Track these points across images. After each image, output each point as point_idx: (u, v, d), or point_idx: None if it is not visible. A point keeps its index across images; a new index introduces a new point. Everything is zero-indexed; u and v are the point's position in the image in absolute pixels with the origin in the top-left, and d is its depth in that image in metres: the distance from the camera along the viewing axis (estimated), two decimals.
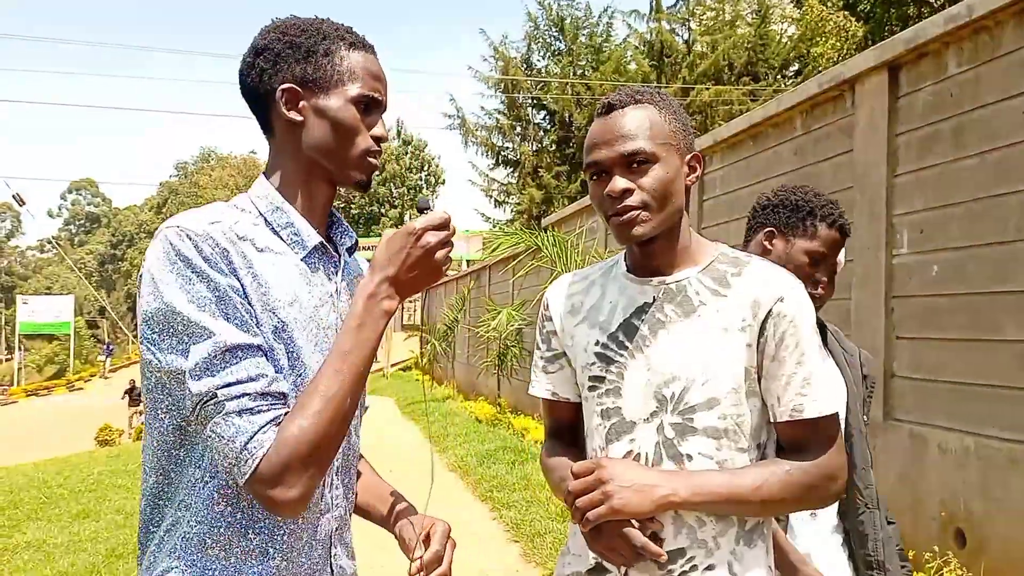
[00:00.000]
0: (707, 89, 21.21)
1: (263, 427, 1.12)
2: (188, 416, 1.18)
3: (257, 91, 1.31)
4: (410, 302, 42.64)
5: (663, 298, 1.42)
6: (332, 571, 1.34)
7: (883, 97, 4.77)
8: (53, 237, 74.03)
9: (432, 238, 1.22)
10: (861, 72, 4.93)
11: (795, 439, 1.38)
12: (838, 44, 18.41)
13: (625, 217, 1.37)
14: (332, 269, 1.36)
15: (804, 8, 20.84)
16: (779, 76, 22.79)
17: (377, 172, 1.37)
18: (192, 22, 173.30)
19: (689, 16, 23.37)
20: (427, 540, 1.38)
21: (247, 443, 1.11)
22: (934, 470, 4.30)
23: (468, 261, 31.28)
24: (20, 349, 46.95)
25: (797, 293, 1.39)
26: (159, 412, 1.22)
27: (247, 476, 1.12)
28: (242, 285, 1.18)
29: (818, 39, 19.57)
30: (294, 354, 1.23)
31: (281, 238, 1.29)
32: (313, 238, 1.31)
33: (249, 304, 1.18)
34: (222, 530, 1.20)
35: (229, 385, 1.12)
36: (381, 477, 1.57)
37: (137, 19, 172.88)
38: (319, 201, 1.35)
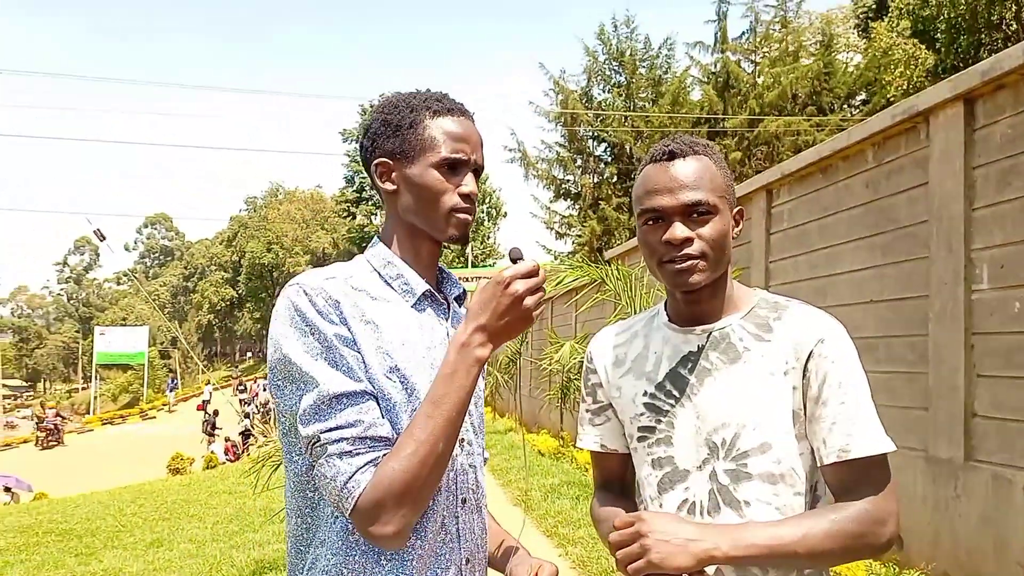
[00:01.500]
0: (774, 120, 20.99)
1: (361, 468, 1.22)
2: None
3: (366, 166, 1.46)
4: None
5: (708, 346, 1.44)
6: None
7: (959, 129, 4.67)
8: (129, 270, 76.66)
9: (521, 286, 1.27)
10: (935, 104, 4.84)
11: (843, 482, 1.35)
12: (907, 72, 18.09)
13: (684, 265, 1.38)
14: (442, 315, 1.46)
15: (872, 37, 20.56)
16: (845, 105, 22.45)
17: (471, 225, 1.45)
18: (260, 63, 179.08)
19: (757, 47, 23.22)
20: None
21: (346, 483, 1.21)
22: (1019, 513, 4.13)
23: None
24: (96, 378, 48.46)
25: (838, 334, 1.39)
26: (293, 454, 1.33)
27: (348, 512, 1.22)
28: (352, 333, 1.29)
29: (887, 68, 19.25)
30: (408, 391, 1.32)
31: (392, 288, 1.41)
32: (421, 286, 1.42)
33: (358, 350, 1.28)
34: (356, 558, 1.29)
35: (331, 430, 1.23)
36: (494, 519, 1.62)
37: (207, 62, 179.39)
38: (424, 256, 1.46)
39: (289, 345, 1.26)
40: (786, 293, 6.75)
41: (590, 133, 25.17)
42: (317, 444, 1.23)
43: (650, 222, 1.42)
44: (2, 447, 32.27)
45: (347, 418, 1.23)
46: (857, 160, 5.75)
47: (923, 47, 18.81)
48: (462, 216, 1.41)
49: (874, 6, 23.16)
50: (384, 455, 1.24)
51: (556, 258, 25.99)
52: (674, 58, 25.63)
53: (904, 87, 18.72)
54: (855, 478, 1.34)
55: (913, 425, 5.00)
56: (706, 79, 24.03)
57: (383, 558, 1.29)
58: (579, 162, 25.54)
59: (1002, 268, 4.37)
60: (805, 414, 1.38)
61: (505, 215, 53.32)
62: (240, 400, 30.57)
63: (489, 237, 53.01)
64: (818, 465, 1.39)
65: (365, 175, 1.46)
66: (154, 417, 40.53)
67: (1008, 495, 4.21)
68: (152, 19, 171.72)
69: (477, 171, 1.44)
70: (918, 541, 4.86)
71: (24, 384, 79.12)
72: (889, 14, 20.90)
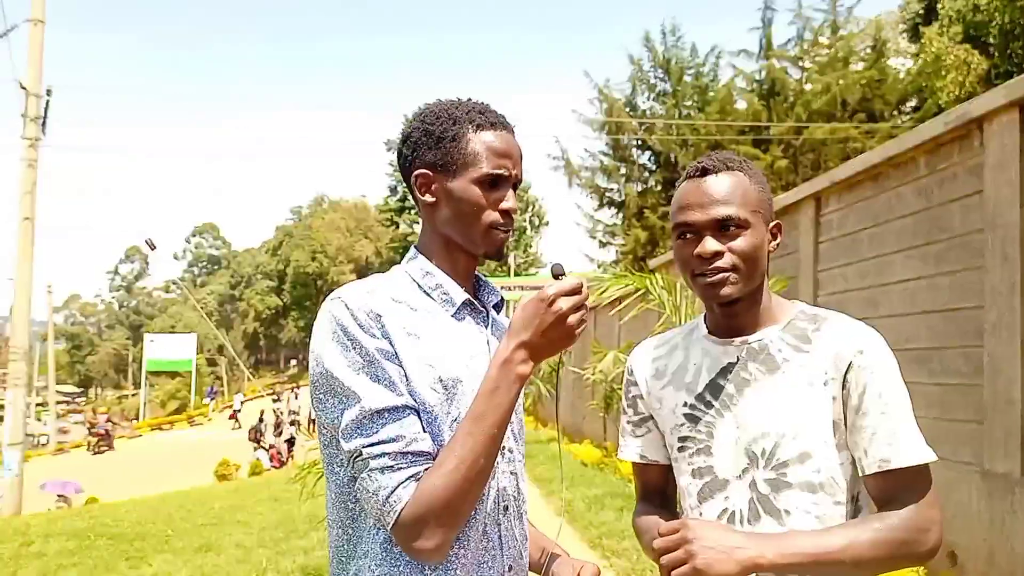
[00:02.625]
0: (820, 127, 20.71)
1: (403, 483, 1.23)
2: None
3: (405, 175, 1.47)
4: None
5: (746, 357, 1.47)
6: None
7: (1014, 135, 4.56)
8: (178, 279, 78.19)
9: (564, 304, 1.27)
10: (989, 111, 4.74)
11: (885, 492, 1.37)
12: (959, 78, 17.73)
13: (715, 278, 1.41)
14: (482, 323, 1.48)
15: (923, 42, 20.19)
16: (895, 112, 22.07)
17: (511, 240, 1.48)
18: (306, 74, 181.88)
19: (803, 55, 22.94)
20: None
21: (388, 497, 1.22)
22: None
23: None
24: (146, 385, 49.47)
25: (877, 345, 1.40)
26: (335, 466, 1.34)
27: (390, 527, 1.24)
28: (394, 346, 1.30)
29: (940, 73, 18.87)
30: (452, 401, 1.33)
31: (432, 298, 1.42)
32: (460, 295, 1.43)
33: (400, 363, 1.29)
34: (400, 568, 1.30)
35: (372, 445, 1.24)
36: (533, 525, 1.63)
37: (254, 74, 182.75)
38: (461, 266, 1.47)
39: (331, 359, 1.28)
40: (835, 303, 6.68)
41: (635, 141, 25.08)
42: (359, 458, 1.25)
43: (683, 236, 1.46)
44: (56, 452, 33.08)
45: (389, 433, 1.24)
46: (909, 167, 5.65)
47: (976, 53, 18.41)
48: (501, 233, 1.43)
49: (922, 12, 22.74)
50: (425, 469, 1.25)
51: (600, 267, 25.93)
52: (719, 66, 25.46)
53: (956, 93, 18.33)
54: (897, 488, 1.35)
55: (968, 439, 4.88)
56: (749, 87, 23.81)
57: (427, 568, 1.30)
58: (623, 170, 25.45)
59: None
60: (846, 424, 1.39)
61: (547, 224, 53.42)
62: (275, 410, 30.89)
63: (531, 246, 53.10)
64: (860, 475, 1.40)
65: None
66: (201, 424, 41.24)
67: None
68: (201, 34, 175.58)
69: (516, 185, 1.45)
70: (973, 558, 4.73)
71: (77, 390, 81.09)
72: (939, 20, 20.51)
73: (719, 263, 1.40)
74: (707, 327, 1.55)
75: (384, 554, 1.29)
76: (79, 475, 20.84)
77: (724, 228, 1.41)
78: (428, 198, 1.42)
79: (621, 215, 25.40)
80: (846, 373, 1.38)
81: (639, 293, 7.21)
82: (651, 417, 1.60)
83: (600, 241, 26.13)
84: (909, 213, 5.59)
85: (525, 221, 52.31)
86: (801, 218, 7.05)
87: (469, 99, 1.47)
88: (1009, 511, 4.47)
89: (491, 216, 1.40)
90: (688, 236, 1.45)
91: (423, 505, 1.21)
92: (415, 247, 1.50)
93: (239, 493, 12.61)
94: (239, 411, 36.38)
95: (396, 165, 1.51)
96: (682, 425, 1.51)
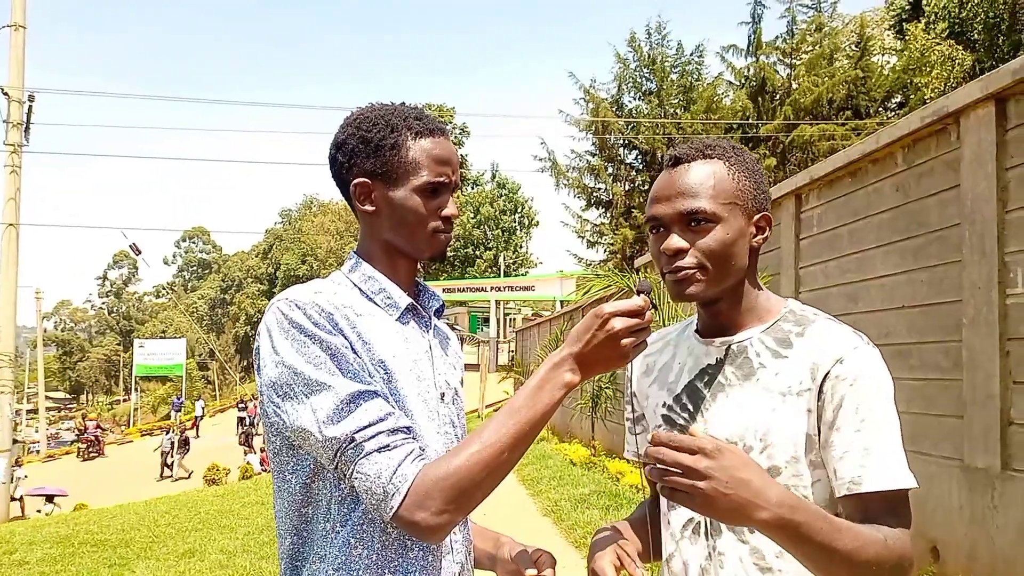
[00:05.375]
0: (811, 126, 20.76)
1: (402, 461, 1.20)
2: (318, 471, 1.28)
3: (342, 183, 1.44)
4: (503, 341, 42.76)
5: (725, 360, 1.38)
6: None
7: (991, 130, 4.55)
8: (167, 283, 77.87)
9: (619, 324, 1.21)
10: (966, 105, 4.73)
11: (857, 519, 1.22)
12: (943, 74, 17.79)
13: (679, 276, 1.33)
14: (424, 327, 1.48)
15: (908, 38, 20.27)
16: (881, 109, 22.13)
17: (450, 244, 1.47)
18: (293, 76, 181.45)
19: (792, 50, 22.99)
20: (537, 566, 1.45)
21: (392, 477, 1.19)
22: None
23: (562, 302, 31.26)
24: (136, 390, 49.22)
25: (861, 354, 1.28)
26: (286, 474, 1.32)
27: (395, 507, 1.19)
28: (350, 342, 1.28)
29: (923, 69, 18.94)
30: (400, 403, 1.31)
31: (376, 303, 1.41)
32: (404, 299, 1.43)
33: (358, 356, 1.28)
34: (360, 572, 1.28)
35: (362, 428, 1.21)
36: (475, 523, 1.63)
37: (243, 77, 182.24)
38: (402, 272, 1.47)
39: (290, 357, 1.24)
40: (816, 299, 6.69)
41: (621, 141, 25.11)
42: (352, 445, 1.20)
43: (653, 230, 1.38)
44: (46, 459, 32.89)
45: (374, 414, 1.22)
46: (887, 163, 5.64)
47: (960, 48, 18.49)
48: (443, 237, 1.43)
49: (908, 7, 22.83)
50: (419, 446, 1.25)
51: (588, 267, 25.95)
52: (704, 64, 25.51)
53: (941, 89, 18.40)
54: (870, 515, 1.22)
55: (948, 434, 4.87)
56: (739, 83, 23.85)
57: (386, 571, 1.28)
58: (610, 170, 25.48)
59: None
60: (819, 440, 1.28)
61: (537, 224, 53.39)
62: (239, 418, 30.42)
63: (522, 246, 53.08)
64: (836, 497, 1.27)
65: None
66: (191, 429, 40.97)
67: None
68: (189, 36, 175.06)
69: (455, 190, 1.45)
70: (954, 552, 4.72)
71: (68, 396, 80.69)
72: (925, 16, 20.59)
73: (681, 262, 1.31)
74: (697, 325, 1.48)
75: (344, 557, 1.27)
76: (68, 481, 20.75)
77: (692, 222, 1.31)
78: (368, 207, 1.40)
79: (608, 214, 25.43)
80: (822, 383, 1.27)
81: (622, 293, 7.21)
82: (644, 415, 1.55)
83: (588, 241, 26.18)
84: (887, 208, 5.59)
85: (515, 222, 52.29)
86: (782, 214, 7.04)
87: (403, 104, 1.45)
88: (989, 506, 4.46)
89: (434, 221, 1.40)
90: (658, 230, 1.37)
91: (432, 480, 1.18)
92: (355, 253, 1.48)
93: (226, 498, 12.53)
94: (201, 418, 36.12)
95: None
96: (659, 427, 1.44)
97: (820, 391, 1.27)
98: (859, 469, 1.22)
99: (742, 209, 1.34)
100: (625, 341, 1.22)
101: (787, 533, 1.12)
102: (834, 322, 1.36)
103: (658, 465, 1.10)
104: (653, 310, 1.26)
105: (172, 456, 23.42)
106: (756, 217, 1.36)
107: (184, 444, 23.99)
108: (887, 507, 1.23)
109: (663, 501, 1.44)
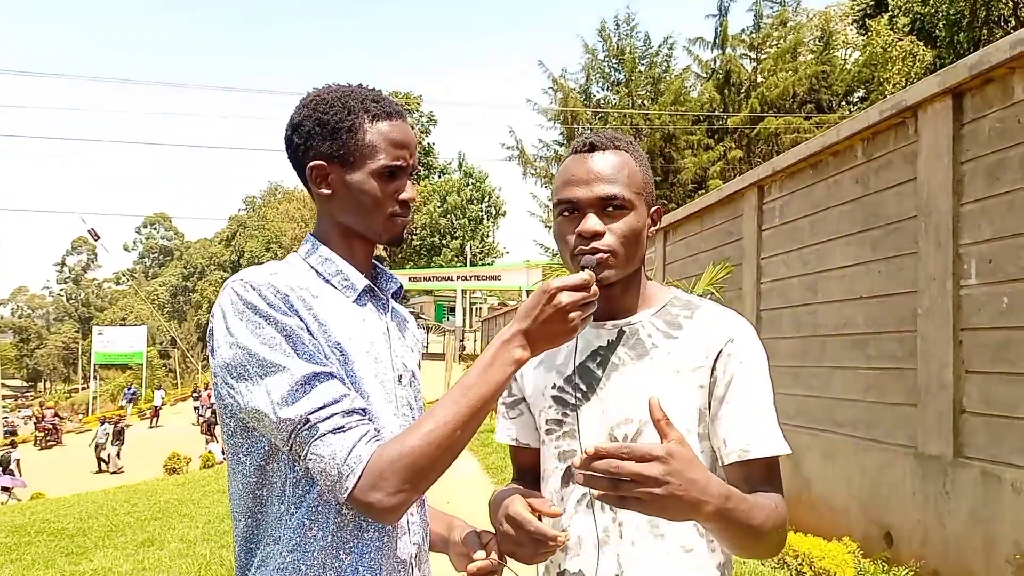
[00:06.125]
0: (776, 119, 20.96)
1: (357, 442, 1.20)
2: (272, 452, 1.28)
3: (298, 165, 1.42)
4: (469, 331, 42.74)
5: (617, 341, 1.43)
6: None
7: (947, 124, 4.64)
8: (128, 270, 76.62)
9: (566, 298, 1.24)
10: (924, 99, 4.81)
11: (742, 484, 1.30)
12: (905, 69, 18.06)
13: (597, 257, 1.35)
14: (382, 309, 1.47)
15: (869, 34, 20.53)
16: (843, 103, 22.42)
17: (408, 229, 1.47)
18: (259, 61, 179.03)
19: (758, 44, 23.18)
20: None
21: (347, 458, 1.19)
22: (1008, 510, 4.11)
23: (528, 292, 31.28)
24: (95, 378, 48.45)
25: (748, 335, 1.38)
26: (240, 455, 1.31)
27: (350, 488, 1.19)
28: (305, 324, 1.27)
29: (885, 65, 19.21)
30: (357, 385, 1.31)
31: (332, 285, 1.40)
32: (361, 281, 1.42)
33: (314, 337, 1.27)
34: (315, 553, 1.27)
35: (317, 409, 1.20)
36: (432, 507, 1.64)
37: (206, 61, 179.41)
38: (360, 254, 1.46)
39: (245, 338, 1.23)
40: (778, 290, 6.76)
41: (589, 131, 25.14)
42: (306, 426, 1.20)
43: (565, 213, 1.41)
44: (1, 447, 32.27)
45: (329, 395, 1.22)
46: (846, 156, 5.72)
47: (921, 44, 18.77)
48: (400, 221, 1.42)
49: (872, 3, 23.12)
50: (374, 427, 1.25)
51: (554, 257, 25.95)
52: (672, 56, 25.63)
53: (902, 84, 18.68)
54: (754, 479, 1.32)
55: (902, 422, 4.97)
56: (706, 75, 23.99)
57: (342, 552, 1.28)
58: None
59: (990, 263, 4.34)
60: (709, 413, 1.37)
61: (504, 214, 53.33)
62: (194, 408, 29.96)
63: (488, 236, 53.00)
64: (720, 466, 1.36)
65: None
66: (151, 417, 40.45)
67: (997, 492, 4.18)
68: (149, 18, 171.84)
69: (412, 173, 1.44)
70: (907, 538, 4.83)
71: (25, 384, 79.22)
72: (888, 11, 20.87)
73: (598, 243, 1.35)
74: None
75: (299, 539, 1.26)
76: (25, 471, 20.36)
77: (607, 208, 1.36)
78: (324, 190, 1.39)
79: None
80: (715, 361, 1.36)
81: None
82: (524, 399, 1.57)
83: None
84: (847, 200, 5.67)
85: (482, 211, 52.18)
86: (744, 205, 7.11)
87: (361, 85, 1.43)
88: (942, 492, 4.57)
89: (391, 205, 1.39)
90: (571, 213, 1.39)
91: (387, 460, 1.19)
92: (312, 236, 1.47)
93: (187, 486, 12.40)
94: (160, 407, 35.59)
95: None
96: (550, 407, 1.47)
97: (713, 368, 1.36)
98: (748, 438, 1.32)
99: (645, 200, 1.42)
100: (572, 315, 1.24)
101: (724, 521, 1.17)
102: (717, 306, 1.45)
103: (605, 476, 1.08)
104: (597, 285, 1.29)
105: (107, 448, 22.95)
106: (651, 210, 1.45)
107: (119, 435, 23.47)
108: (768, 473, 1.33)
109: (555, 478, 1.45)
